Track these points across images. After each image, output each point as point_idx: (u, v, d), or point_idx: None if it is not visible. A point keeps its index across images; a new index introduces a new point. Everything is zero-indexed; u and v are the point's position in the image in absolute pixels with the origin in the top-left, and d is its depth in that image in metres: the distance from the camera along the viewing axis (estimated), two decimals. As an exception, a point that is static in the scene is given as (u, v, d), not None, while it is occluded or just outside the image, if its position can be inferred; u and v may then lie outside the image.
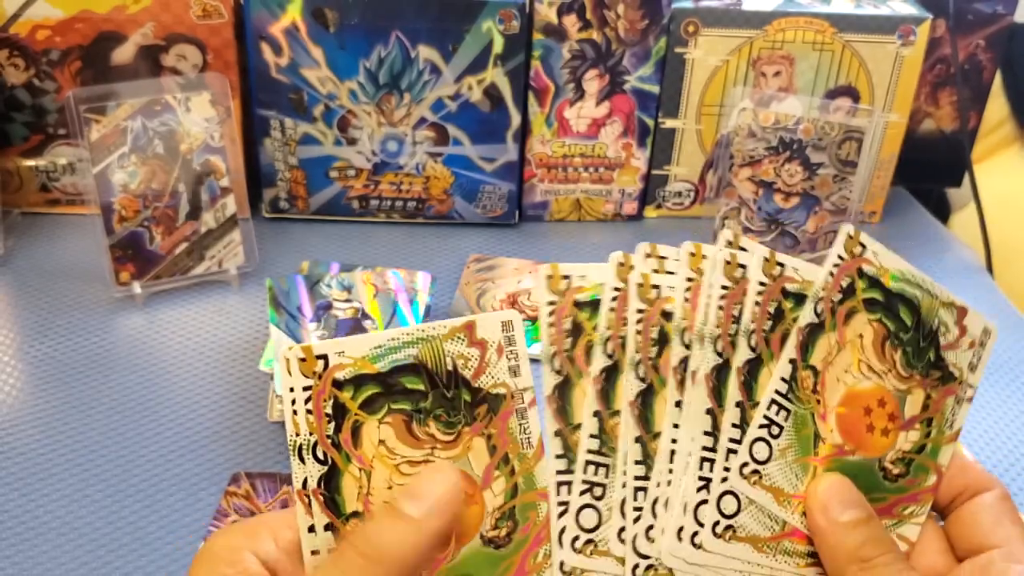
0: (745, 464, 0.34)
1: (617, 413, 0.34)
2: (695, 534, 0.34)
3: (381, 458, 0.33)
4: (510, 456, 0.34)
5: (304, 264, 0.79)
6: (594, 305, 0.35)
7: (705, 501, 0.34)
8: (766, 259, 0.35)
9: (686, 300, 0.35)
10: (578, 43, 0.81)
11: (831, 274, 0.35)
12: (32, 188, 0.84)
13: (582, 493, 0.34)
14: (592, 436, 0.34)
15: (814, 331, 0.35)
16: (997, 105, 1.07)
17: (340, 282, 0.68)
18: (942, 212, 1.08)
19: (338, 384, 0.33)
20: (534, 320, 0.74)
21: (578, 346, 0.35)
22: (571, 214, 0.89)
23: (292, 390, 0.33)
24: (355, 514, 0.33)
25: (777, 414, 0.35)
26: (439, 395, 0.34)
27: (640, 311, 0.34)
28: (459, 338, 0.34)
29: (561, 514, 0.34)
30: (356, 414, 0.33)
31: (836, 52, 0.82)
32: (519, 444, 0.34)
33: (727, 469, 0.34)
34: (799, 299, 0.35)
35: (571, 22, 0.80)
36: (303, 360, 0.33)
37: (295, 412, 0.33)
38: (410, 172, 0.84)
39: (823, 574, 0.35)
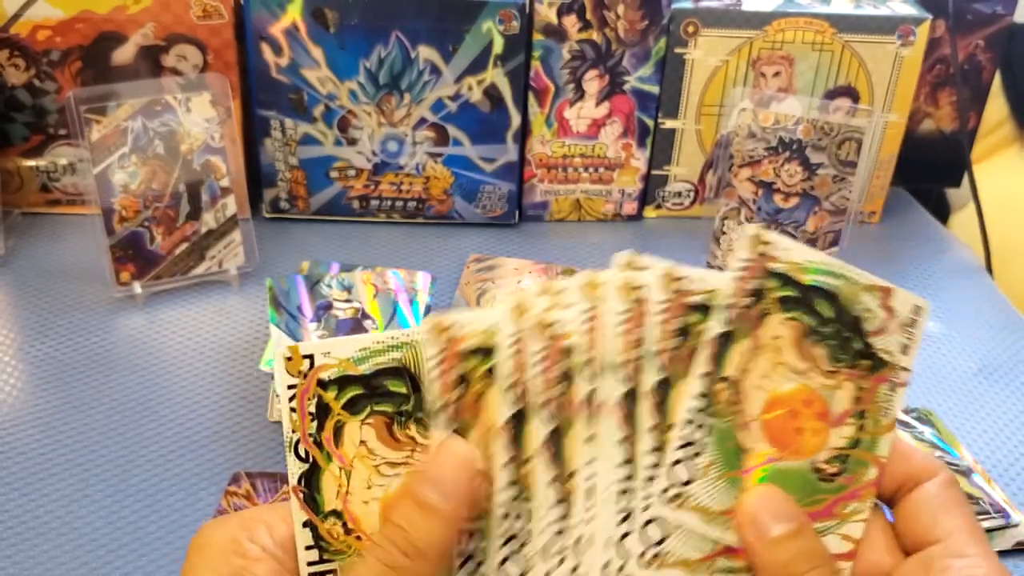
0: (666, 489, 0.34)
1: (528, 460, 0.34)
2: (621, 567, 0.33)
3: (362, 458, 0.34)
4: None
5: (304, 264, 0.79)
6: (484, 352, 0.34)
7: (628, 532, 0.34)
8: (665, 275, 0.34)
9: (588, 332, 0.34)
10: (578, 43, 0.81)
11: (738, 278, 0.34)
12: (32, 188, 0.84)
13: (503, 545, 0.34)
14: (508, 485, 0.34)
15: (725, 340, 0.34)
16: (996, 105, 1.07)
17: (340, 282, 0.68)
18: (941, 212, 1.08)
19: (323, 384, 0.34)
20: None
21: (468, 396, 0.34)
22: (571, 214, 0.89)
23: (289, 388, 0.33)
24: (334, 512, 0.34)
25: (695, 432, 0.34)
26: (421, 398, 0.34)
27: (540, 351, 0.34)
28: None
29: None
30: (339, 414, 0.34)
31: (836, 52, 0.82)
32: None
33: (648, 496, 0.34)
34: (705, 310, 0.34)
35: (571, 22, 0.80)
36: (289, 359, 0.34)
37: (289, 410, 0.34)
38: (410, 172, 0.84)
39: None
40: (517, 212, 0.88)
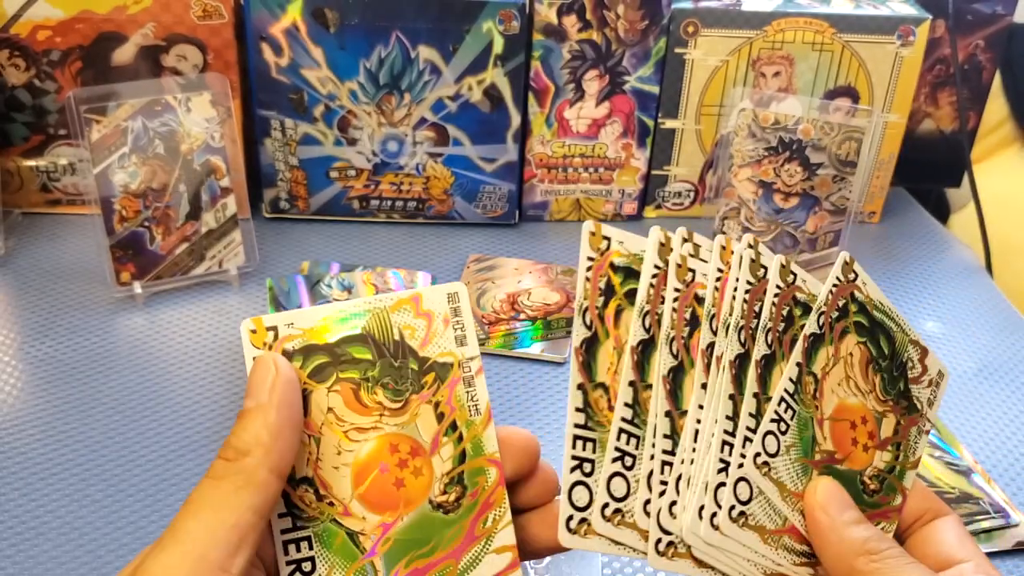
0: (758, 454, 0.35)
1: (650, 386, 0.35)
2: (714, 515, 0.34)
3: (330, 425, 0.34)
4: (458, 423, 0.35)
5: (304, 264, 0.79)
6: (627, 271, 0.35)
7: (723, 484, 0.35)
8: (783, 265, 0.37)
9: (716, 289, 0.36)
10: (578, 43, 0.81)
11: (830, 293, 0.37)
12: (33, 188, 0.84)
13: (613, 460, 0.34)
14: (626, 405, 0.35)
15: (816, 341, 0.37)
16: (996, 105, 1.07)
17: (340, 282, 0.68)
18: (941, 212, 1.08)
19: (288, 354, 0.34)
20: (534, 320, 0.74)
21: (609, 306, 0.35)
22: (571, 214, 0.89)
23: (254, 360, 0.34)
24: (305, 479, 0.34)
25: (785, 412, 0.36)
26: (386, 364, 0.35)
27: (677, 291, 0.36)
28: (405, 309, 0.35)
29: (574, 468, 0.34)
30: (305, 383, 0.34)
31: (836, 52, 0.82)
32: (467, 411, 0.35)
33: (743, 456, 0.35)
34: (806, 308, 0.37)
35: (571, 22, 0.80)
36: (254, 332, 0.34)
37: None
38: (410, 172, 0.84)
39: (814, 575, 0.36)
40: (517, 212, 0.88)
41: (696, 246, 0.37)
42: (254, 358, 0.34)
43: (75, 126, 0.69)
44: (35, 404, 0.64)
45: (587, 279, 0.35)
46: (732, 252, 0.37)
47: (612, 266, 0.35)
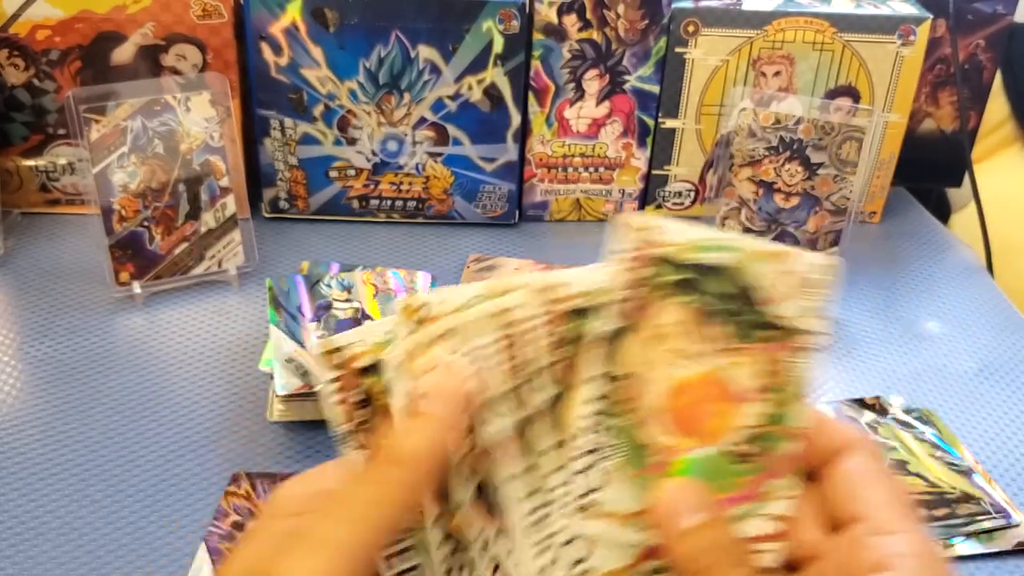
0: (577, 499, 0.32)
1: (457, 509, 0.33)
2: None
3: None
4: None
5: (304, 264, 0.79)
6: (377, 368, 0.33)
7: (555, 560, 0.32)
8: (534, 291, 0.33)
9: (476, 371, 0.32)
10: (578, 43, 0.81)
11: (620, 271, 0.33)
12: (32, 188, 0.84)
13: None
14: (442, 541, 0.33)
15: (615, 337, 0.33)
16: (997, 105, 1.07)
17: (340, 282, 0.68)
18: (942, 212, 1.08)
19: (363, 372, 0.33)
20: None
21: (377, 415, 0.33)
22: (571, 214, 0.89)
23: (332, 383, 0.33)
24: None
25: (599, 437, 0.33)
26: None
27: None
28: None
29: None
30: (381, 398, 0.33)
31: (836, 52, 0.82)
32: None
33: (563, 516, 0.32)
34: (584, 313, 0.33)
35: (571, 22, 0.80)
36: (327, 353, 0.33)
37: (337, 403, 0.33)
38: (410, 172, 0.84)
39: None
40: (517, 212, 0.88)
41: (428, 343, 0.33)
42: (445, 363, 0.32)
43: (74, 126, 0.68)
44: (34, 404, 0.64)
45: (339, 402, 0.32)
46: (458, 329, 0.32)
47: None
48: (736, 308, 0.33)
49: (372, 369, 0.33)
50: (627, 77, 0.83)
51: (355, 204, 0.86)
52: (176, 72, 0.79)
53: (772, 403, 0.33)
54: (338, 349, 0.33)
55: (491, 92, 0.81)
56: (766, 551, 0.33)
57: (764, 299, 0.33)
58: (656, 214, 0.90)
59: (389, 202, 0.86)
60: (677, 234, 0.33)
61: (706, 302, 0.33)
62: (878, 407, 0.67)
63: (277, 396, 0.60)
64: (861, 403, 0.67)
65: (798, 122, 0.73)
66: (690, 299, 0.33)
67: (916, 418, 0.66)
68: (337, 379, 0.33)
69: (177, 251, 0.74)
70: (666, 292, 0.33)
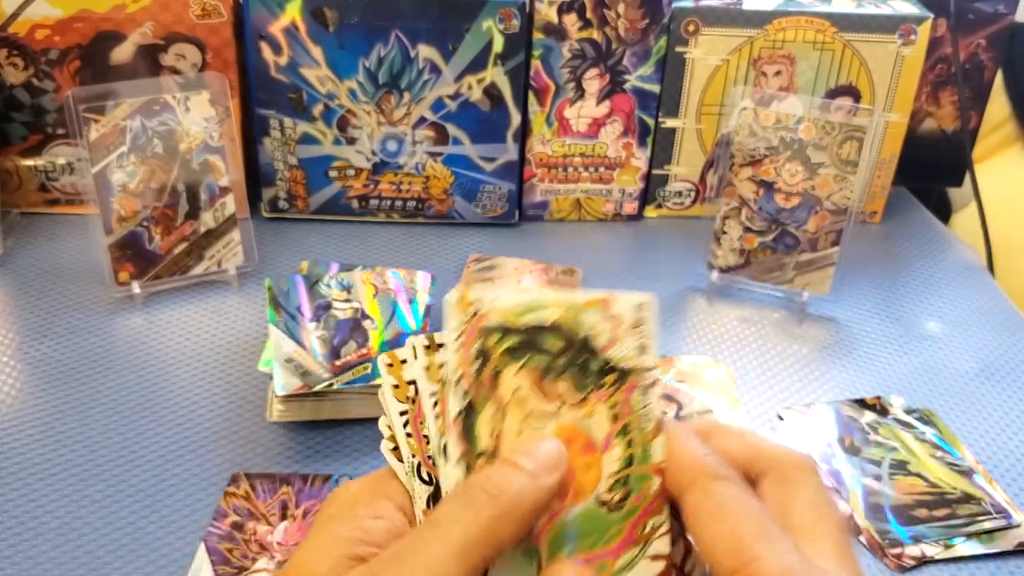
0: None
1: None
2: None
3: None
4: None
5: (303, 264, 0.79)
6: (502, 331, 0.34)
7: None
8: (425, 369, 0.35)
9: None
10: (578, 42, 0.81)
11: (458, 348, 0.34)
12: (31, 188, 0.84)
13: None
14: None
15: (469, 413, 0.34)
16: (998, 105, 1.07)
17: (340, 282, 0.68)
18: (943, 212, 1.08)
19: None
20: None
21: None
22: (571, 214, 0.89)
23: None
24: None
25: None
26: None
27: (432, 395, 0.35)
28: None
29: None
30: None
31: (837, 52, 0.82)
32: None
33: None
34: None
35: (571, 21, 0.80)
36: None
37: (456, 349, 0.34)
38: (410, 172, 0.84)
39: None
40: (517, 212, 0.88)
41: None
42: (543, 436, 0.34)
43: (74, 125, 0.68)
44: (34, 404, 0.64)
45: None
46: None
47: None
48: (575, 360, 0.35)
49: (496, 331, 0.34)
50: (627, 77, 0.83)
51: (355, 204, 0.86)
52: (175, 72, 0.79)
53: (630, 445, 0.34)
54: (473, 302, 0.34)
55: (491, 92, 0.81)
56: None
57: (606, 343, 0.35)
58: (657, 211, 0.90)
59: (389, 202, 0.86)
60: (502, 300, 0.34)
61: (544, 361, 0.34)
62: (879, 407, 0.67)
63: (276, 396, 0.60)
64: (862, 403, 0.67)
65: (799, 122, 0.73)
66: (529, 360, 0.34)
67: (917, 418, 0.66)
68: (463, 330, 0.34)
69: (176, 251, 0.74)
70: (504, 360, 0.34)
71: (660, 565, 0.34)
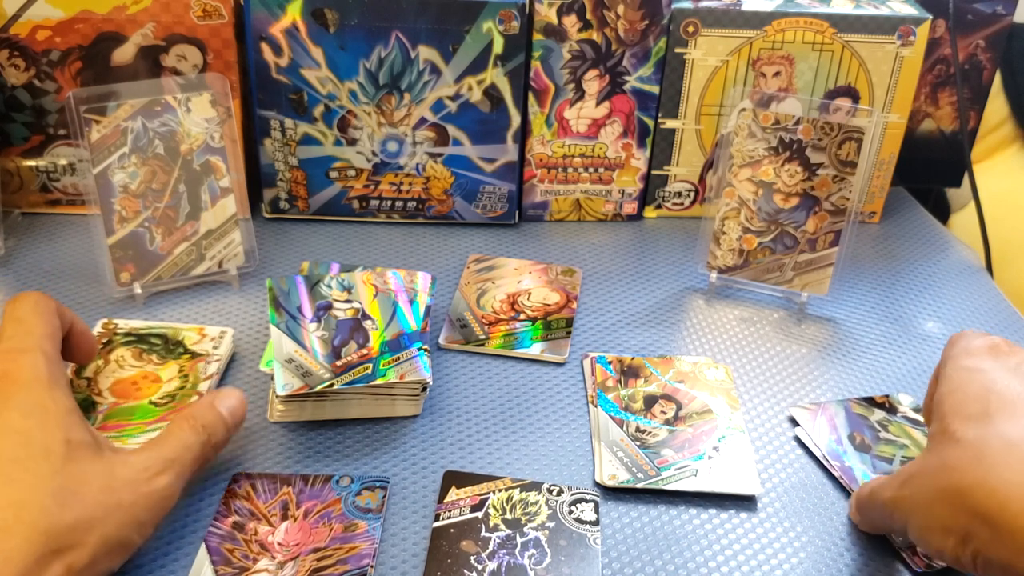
0: None
1: None
2: None
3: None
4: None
5: (304, 264, 0.79)
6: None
7: None
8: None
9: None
10: (578, 43, 0.81)
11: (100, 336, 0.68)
12: (32, 188, 0.84)
13: None
14: None
15: (97, 370, 0.65)
16: (997, 105, 1.07)
17: (340, 282, 0.68)
18: (942, 212, 1.08)
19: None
20: (534, 320, 0.74)
21: None
22: (571, 214, 0.89)
23: None
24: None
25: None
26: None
27: None
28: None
29: None
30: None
31: (836, 52, 0.82)
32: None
33: None
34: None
35: (571, 22, 0.80)
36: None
37: None
38: (410, 172, 0.84)
39: None
40: (517, 212, 0.88)
41: None
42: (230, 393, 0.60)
43: (75, 126, 0.69)
44: (35, 404, 0.64)
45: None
46: None
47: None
48: (166, 347, 0.67)
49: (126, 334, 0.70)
50: (627, 77, 0.83)
51: (355, 204, 0.86)
52: (176, 73, 0.80)
53: (184, 382, 0.64)
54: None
55: (491, 92, 0.81)
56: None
57: (194, 343, 0.68)
58: (656, 212, 0.90)
59: (389, 202, 0.86)
60: (134, 323, 0.69)
61: (144, 346, 0.67)
62: (888, 405, 0.67)
63: (277, 396, 0.60)
64: (871, 401, 0.68)
65: (798, 122, 0.73)
66: (133, 345, 0.67)
67: (916, 418, 0.66)
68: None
69: (177, 251, 0.75)
70: (119, 343, 0.67)
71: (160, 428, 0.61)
